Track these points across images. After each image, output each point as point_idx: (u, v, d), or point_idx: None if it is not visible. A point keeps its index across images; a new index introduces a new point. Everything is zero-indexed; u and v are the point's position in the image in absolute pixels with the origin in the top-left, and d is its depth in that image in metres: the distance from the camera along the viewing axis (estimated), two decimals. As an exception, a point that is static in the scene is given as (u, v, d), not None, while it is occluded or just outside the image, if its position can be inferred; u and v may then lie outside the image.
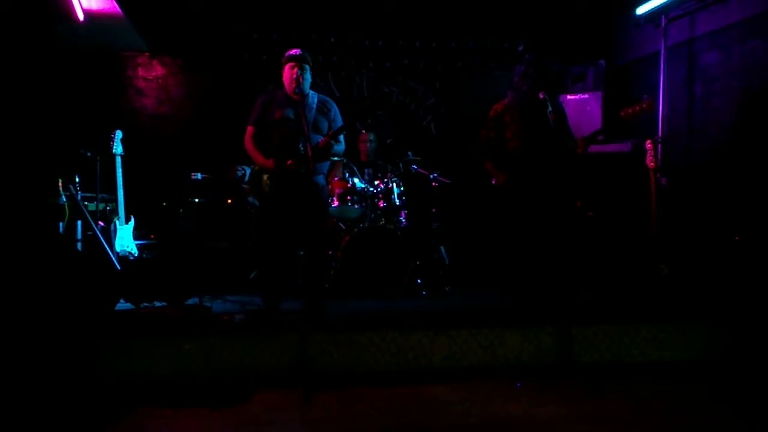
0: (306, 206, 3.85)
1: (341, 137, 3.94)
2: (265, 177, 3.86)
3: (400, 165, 5.43)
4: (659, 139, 5.17)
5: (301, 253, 4.07)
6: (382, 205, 5.00)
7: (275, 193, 3.83)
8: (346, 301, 4.52)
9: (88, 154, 4.72)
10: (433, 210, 5.27)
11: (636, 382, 3.35)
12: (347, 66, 6.33)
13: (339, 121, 4.00)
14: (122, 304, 4.01)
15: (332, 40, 6.20)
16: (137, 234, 4.85)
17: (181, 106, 6.11)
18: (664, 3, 5.17)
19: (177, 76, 6.11)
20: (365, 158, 5.53)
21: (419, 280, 4.92)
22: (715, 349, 3.64)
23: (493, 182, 4.11)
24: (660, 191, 4.29)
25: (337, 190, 4.91)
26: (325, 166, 4.08)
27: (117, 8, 4.72)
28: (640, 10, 5.39)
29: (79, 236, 4.63)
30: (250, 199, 5.23)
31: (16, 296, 3.37)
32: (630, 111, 3.68)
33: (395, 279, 4.76)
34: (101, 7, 4.70)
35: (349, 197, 4.93)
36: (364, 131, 5.69)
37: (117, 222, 4.69)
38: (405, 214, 5.19)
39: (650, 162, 4.31)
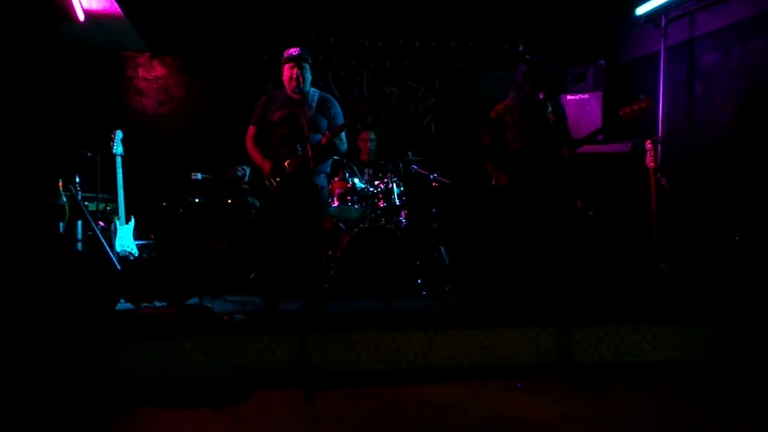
0: (304, 206, 3.84)
1: (343, 136, 3.92)
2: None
3: (400, 165, 5.43)
4: (659, 139, 5.17)
5: (300, 253, 4.07)
6: (382, 205, 5.00)
7: (274, 193, 3.83)
8: (346, 301, 4.52)
9: (88, 154, 4.72)
10: (433, 210, 5.27)
11: (636, 382, 3.35)
12: (347, 66, 6.32)
13: (340, 120, 3.95)
14: (122, 304, 4.01)
15: (332, 40, 6.20)
16: (137, 234, 4.85)
17: (181, 106, 6.11)
18: (664, 3, 5.17)
19: (177, 76, 6.11)
20: (365, 158, 5.53)
21: (419, 280, 4.91)
22: (716, 348, 3.64)
23: (493, 183, 4.11)
24: (660, 191, 4.29)
25: (337, 190, 4.91)
26: (327, 165, 4.07)
27: (117, 8, 4.72)
28: (640, 10, 5.39)
29: (80, 236, 4.63)
30: (250, 199, 5.23)
31: (15, 296, 3.36)
32: (629, 110, 3.69)
33: (395, 279, 4.75)
34: (101, 7, 4.70)
35: (349, 197, 4.93)
36: (364, 131, 5.68)
37: (117, 222, 4.69)
38: (405, 214, 5.18)
39: (650, 162, 4.31)
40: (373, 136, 5.59)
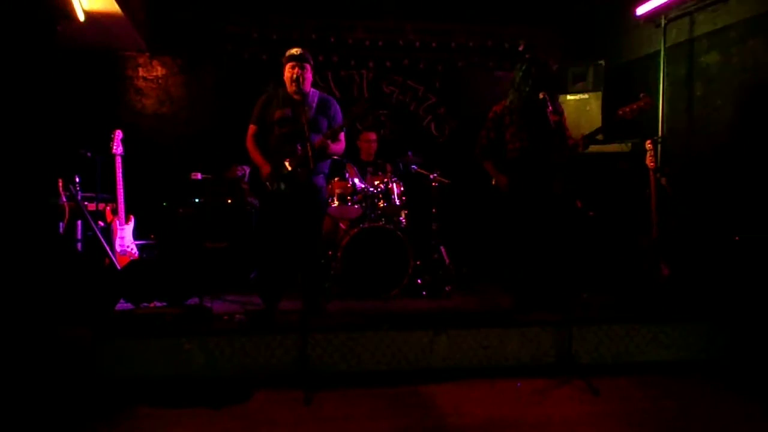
0: (303, 206, 3.85)
1: (341, 136, 3.93)
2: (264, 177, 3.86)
3: (400, 165, 5.43)
4: (659, 139, 5.17)
5: (300, 253, 4.07)
6: (382, 205, 5.00)
7: (273, 194, 3.83)
8: (346, 301, 4.52)
9: (88, 154, 4.73)
10: (433, 210, 5.27)
11: (636, 382, 3.35)
12: (347, 66, 6.33)
13: (339, 120, 3.98)
14: (122, 304, 4.01)
15: (332, 40, 6.20)
16: (137, 234, 4.85)
17: (181, 106, 6.11)
18: (664, 3, 5.17)
19: (177, 76, 6.11)
20: (365, 158, 5.54)
21: (419, 280, 4.91)
22: (716, 348, 3.65)
23: (493, 183, 4.11)
24: (660, 191, 4.30)
25: (337, 190, 4.91)
26: (326, 166, 4.08)
27: (117, 8, 4.72)
28: (640, 10, 5.39)
29: (80, 236, 4.63)
30: (250, 199, 5.23)
31: (15, 296, 3.37)
32: (628, 109, 3.68)
33: (395, 279, 4.75)
34: (101, 7, 4.70)
35: (349, 197, 4.93)
36: (365, 131, 5.69)
37: (117, 222, 4.69)
38: (405, 214, 5.19)
39: (650, 162, 4.31)
40: (374, 137, 5.60)
